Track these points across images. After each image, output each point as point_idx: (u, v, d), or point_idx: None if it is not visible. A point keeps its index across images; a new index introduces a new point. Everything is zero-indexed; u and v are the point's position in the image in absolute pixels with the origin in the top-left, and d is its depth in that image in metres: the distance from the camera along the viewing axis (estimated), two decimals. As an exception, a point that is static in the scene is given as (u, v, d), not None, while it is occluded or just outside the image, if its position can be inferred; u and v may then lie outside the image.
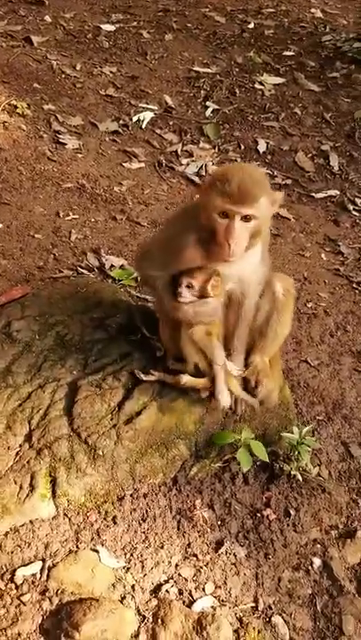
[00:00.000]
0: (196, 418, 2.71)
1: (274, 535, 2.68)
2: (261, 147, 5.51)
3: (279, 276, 2.73)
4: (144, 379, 2.66)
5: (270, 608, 2.48)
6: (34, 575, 2.27)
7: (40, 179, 4.49)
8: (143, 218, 4.40)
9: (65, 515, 2.45)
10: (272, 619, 2.44)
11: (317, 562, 2.72)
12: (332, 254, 4.56)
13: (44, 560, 2.31)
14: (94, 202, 4.44)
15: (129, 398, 2.63)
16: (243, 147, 5.50)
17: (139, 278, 2.82)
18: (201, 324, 2.50)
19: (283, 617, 2.46)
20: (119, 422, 2.58)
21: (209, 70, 6.44)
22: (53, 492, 2.46)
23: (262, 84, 6.37)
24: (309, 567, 2.70)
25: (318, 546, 2.80)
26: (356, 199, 5.13)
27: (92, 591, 2.25)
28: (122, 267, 3.78)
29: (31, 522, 2.40)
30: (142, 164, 5.01)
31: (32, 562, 2.30)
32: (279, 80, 6.45)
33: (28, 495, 2.43)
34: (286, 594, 2.57)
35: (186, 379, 2.61)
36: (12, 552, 2.31)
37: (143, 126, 5.45)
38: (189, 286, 2.44)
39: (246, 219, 2.35)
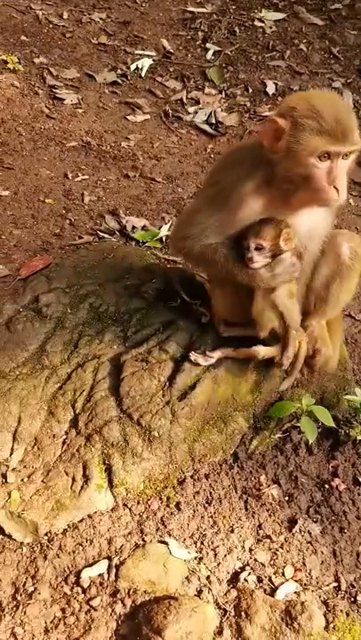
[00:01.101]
0: (252, 386, 2.46)
1: (346, 507, 2.47)
2: (270, 88, 5.12)
3: (346, 235, 2.34)
4: (204, 364, 2.37)
5: (353, 586, 2.28)
6: (101, 576, 2.05)
7: (41, 139, 4.12)
8: (157, 173, 4.06)
9: (125, 505, 2.22)
10: (357, 598, 2.25)
11: (393, 530, 2.53)
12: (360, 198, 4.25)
13: (109, 558, 2.08)
14: (103, 160, 4.08)
15: (180, 371, 2.37)
16: (250, 89, 5.11)
17: (183, 256, 2.38)
18: (283, 284, 2.20)
19: (367, 594, 2.28)
20: (172, 399, 2.32)
21: (204, 10, 5.98)
22: (110, 482, 2.22)
23: (262, 21, 5.93)
24: (386, 537, 2.51)
25: (392, 513, 2.61)
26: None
27: (167, 588, 2.04)
28: (144, 227, 3.47)
29: (90, 516, 2.17)
30: (147, 116, 4.63)
31: (97, 561, 2.08)
32: (279, 15, 6.00)
33: (82, 487, 2.19)
34: (367, 568, 2.39)
35: (263, 350, 2.34)
36: (73, 552, 2.09)
37: (143, 75, 5.05)
38: (259, 248, 2.14)
39: (346, 155, 2.01)
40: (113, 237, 3.39)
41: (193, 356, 2.36)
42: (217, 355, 2.37)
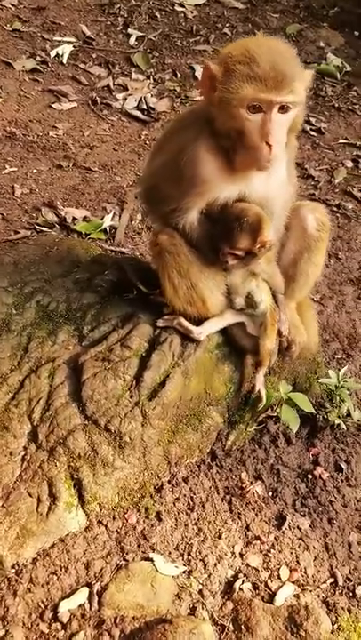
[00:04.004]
0: (225, 377, 2.27)
1: (331, 496, 2.34)
2: (199, 73, 4.96)
3: (310, 206, 2.20)
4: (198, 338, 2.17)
5: (349, 579, 2.15)
6: (81, 606, 1.79)
7: None
8: (92, 162, 3.80)
9: (100, 522, 1.98)
10: (356, 591, 2.11)
11: (380, 515, 2.42)
12: (302, 179, 4.15)
13: (89, 585, 1.83)
14: (31, 150, 3.78)
15: (146, 368, 2.15)
16: (179, 74, 4.94)
17: (153, 225, 2.15)
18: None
19: (364, 583, 2.15)
20: (141, 399, 2.10)
21: (122, -5, 5.75)
22: (81, 498, 1.97)
23: (183, 6, 5.78)
24: (374, 523, 2.40)
25: (376, 500, 2.50)
26: (311, 118, 4.73)
27: (157, 610, 1.82)
28: (85, 219, 3.21)
29: (61, 540, 1.91)
30: (74, 104, 4.36)
31: (75, 590, 1.82)
32: (199, 0, 5.87)
33: (50, 508, 1.93)
34: (360, 559, 2.26)
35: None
36: (47, 583, 1.82)
37: (64, 61, 4.76)
38: (233, 254, 2.00)
39: (284, 109, 1.80)
40: (52, 231, 3.12)
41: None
42: (206, 328, 2.18)
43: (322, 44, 5.50)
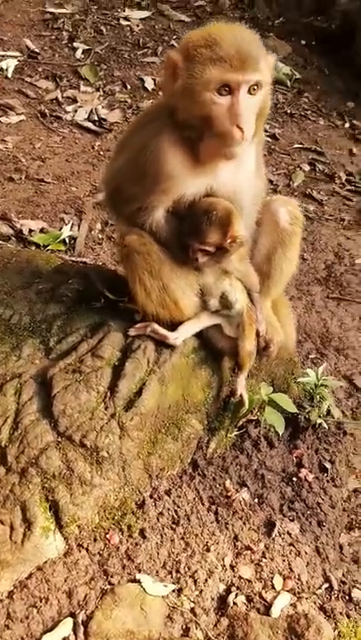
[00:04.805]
0: (203, 383, 2.18)
1: (318, 497, 2.26)
2: (149, 84, 4.94)
3: (280, 199, 2.14)
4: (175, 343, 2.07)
5: (344, 582, 2.07)
6: (66, 639, 1.65)
7: None
8: (45, 174, 3.69)
9: (80, 546, 1.84)
10: (352, 595, 2.03)
11: (368, 514, 2.36)
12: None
13: (73, 615, 1.69)
14: (-20, 164, 3.65)
15: (121, 377, 2.03)
16: (129, 86, 4.89)
17: (118, 228, 2.03)
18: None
19: (360, 589, 2.07)
20: (117, 410, 1.98)
21: (65, 10, 5.69)
22: (58, 521, 1.83)
23: (128, 20, 5.76)
24: (362, 522, 2.34)
25: (361, 495, 2.44)
26: (265, 124, 4.74)
27: (149, 635, 1.69)
28: (43, 230, 3.09)
29: (39, 568, 1.76)
30: (22, 117, 4.25)
31: (58, 622, 1.67)
32: (144, 14, 5.87)
33: (24, 534, 1.78)
34: (352, 560, 2.19)
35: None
36: (26, 617, 1.67)
37: (9, 75, 4.65)
38: (203, 250, 1.91)
39: (251, 90, 1.73)
40: (8, 243, 2.98)
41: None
42: (182, 332, 2.07)
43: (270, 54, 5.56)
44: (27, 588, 1.72)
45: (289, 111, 4.95)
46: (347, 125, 5.10)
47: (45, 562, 1.78)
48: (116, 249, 2.05)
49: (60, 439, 1.93)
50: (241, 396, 2.12)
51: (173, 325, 2.11)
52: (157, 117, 1.86)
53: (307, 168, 4.35)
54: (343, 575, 2.10)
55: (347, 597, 2.02)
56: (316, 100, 5.27)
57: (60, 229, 3.12)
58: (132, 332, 2.10)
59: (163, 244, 1.92)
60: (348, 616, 1.94)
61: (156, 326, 2.07)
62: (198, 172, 1.85)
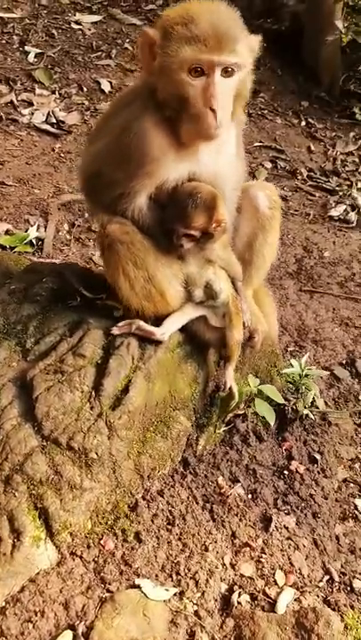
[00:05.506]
0: (190, 378, 2.11)
1: (311, 489, 2.22)
2: (105, 86, 4.88)
3: (258, 184, 2.12)
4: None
5: (344, 574, 2.03)
6: (67, 653, 1.54)
7: None
8: (5, 177, 3.57)
9: (73, 554, 1.73)
10: (353, 585, 1.99)
11: (359, 503, 2.34)
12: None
13: (72, 627, 1.58)
14: None
15: (105, 375, 1.94)
16: (85, 88, 4.81)
17: (97, 220, 1.93)
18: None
19: (360, 579, 2.03)
20: (104, 409, 1.89)
21: (14, 15, 5.57)
22: (49, 529, 1.72)
23: (79, 24, 5.68)
24: (355, 511, 2.31)
25: (352, 485, 2.41)
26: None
27: (154, 641, 1.59)
28: (8, 232, 2.97)
29: (32, 580, 1.65)
30: (-23, 122, 4.12)
31: (57, 635, 1.56)
32: (96, 18, 5.80)
33: (14, 546, 1.66)
34: (349, 551, 2.15)
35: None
36: (22, 633, 1.55)
37: None
38: (188, 235, 1.84)
39: (227, 72, 1.68)
40: (-28, 247, 2.85)
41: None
42: (168, 327, 1.99)
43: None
44: (20, 602, 1.60)
45: (247, 111, 4.96)
46: (303, 124, 5.17)
47: (38, 573, 1.67)
48: (97, 240, 1.95)
49: (45, 443, 1.82)
50: (230, 388, 2.06)
51: (157, 320, 2.04)
52: (138, 97, 1.79)
53: (269, 165, 4.36)
54: (342, 566, 2.06)
55: (348, 588, 1.97)
56: (271, 100, 5.31)
57: (26, 231, 3.01)
58: (115, 330, 2.01)
59: (146, 232, 1.85)
60: (353, 607, 1.89)
61: (141, 323, 1.99)
62: (181, 154, 1.79)
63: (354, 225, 3.88)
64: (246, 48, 1.72)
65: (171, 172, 1.79)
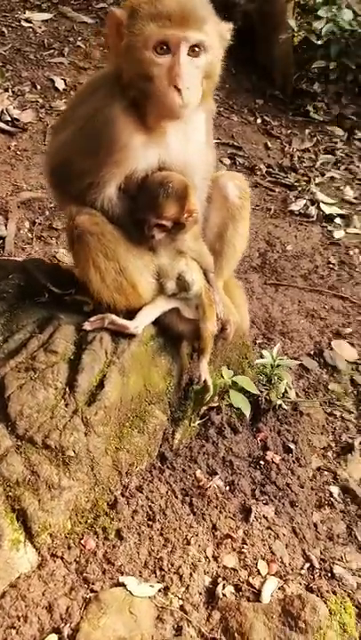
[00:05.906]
0: (164, 371, 2.08)
1: (287, 478, 2.23)
2: (60, 84, 4.80)
3: (228, 174, 2.09)
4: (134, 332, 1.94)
5: (324, 560, 2.04)
6: (53, 657, 1.49)
7: None
8: None
9: (54, 555, 1.68)
10: (333, 571, 2.00)
11: (335, 490, 2.37)
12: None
13: (57, 630, 1.53)
14: None
15: (79, 371, 1.90)
16: (39, 86, 4.74)
17: (65, 211, 1.88)
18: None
19: (339, 565, 2.05)
20: (79, 405, 1.84)
21: None
22: (27, 531, 1.67)
23: (30, 22, 5.58)
24: (331, 499, 2.33)
25: (326, 473, 2.44)
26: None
27: (142, 639, 1.56)
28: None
29: (13, 585, 1.59)
30: None
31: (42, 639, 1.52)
32: (46, 16, 5.71)
33: (-8, 550, 1.60)
34: (327, 538, 2.17)
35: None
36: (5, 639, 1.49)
37: None
38: (160, 225, 1.82)
39: (195, 51, 1.65)
40: None
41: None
42: (141, 320, 1.95)
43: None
44: (1, 608, 1.54)
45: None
46: (259, 121, 5.22)
47: (19, 577, 1.61)
48: (66, 232, 1.90)
49: (20, 442, 1.76)
50: (205, 381, 2.04)
51: (129, 313, 2.00)
52: (104, 84, 1.76)
53: (228, 162, 4.38)
54: (321, 553, 2.08)
55: (329, 575, 1.99)
56: (226, 98, 5.34)
57: (-13, 230, 2.92)
58: (87, 326, 1.96)
59: (116, 222, 1.82)
60: (335, 593, 1.90)
61: (113, 317, 1.95)
62: (150, 138, 1.76)
63: (314, 219, 3.94)
64: (215, 32, 1.71)
65: (140, 160, 1.76)
